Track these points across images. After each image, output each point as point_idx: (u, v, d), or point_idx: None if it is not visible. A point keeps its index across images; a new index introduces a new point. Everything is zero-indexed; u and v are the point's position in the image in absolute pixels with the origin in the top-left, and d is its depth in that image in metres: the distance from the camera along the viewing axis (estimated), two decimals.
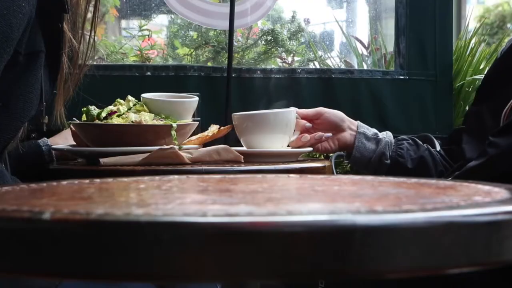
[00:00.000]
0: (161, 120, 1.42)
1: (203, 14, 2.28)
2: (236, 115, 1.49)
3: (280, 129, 1.44)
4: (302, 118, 1.51)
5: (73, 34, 1.24)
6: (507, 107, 1.29)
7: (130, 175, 1.08)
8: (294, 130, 1.51)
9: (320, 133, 1.49)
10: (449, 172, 1.39)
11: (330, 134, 1.50)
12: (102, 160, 1.30)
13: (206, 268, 0.44)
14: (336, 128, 1.52)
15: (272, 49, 2.80)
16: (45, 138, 1.55)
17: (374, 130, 1.55)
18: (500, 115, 1.30)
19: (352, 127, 1.53)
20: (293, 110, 1.47)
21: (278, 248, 0.44)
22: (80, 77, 1.30)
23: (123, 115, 1.40)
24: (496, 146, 1.20)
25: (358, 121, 1.55)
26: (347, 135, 1.52)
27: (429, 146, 1.55)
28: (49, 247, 0.46)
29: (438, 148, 1.60)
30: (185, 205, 0.57)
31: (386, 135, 1.55)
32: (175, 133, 1.37)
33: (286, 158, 1.45)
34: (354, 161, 1.53)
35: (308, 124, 1.51)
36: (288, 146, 1.50)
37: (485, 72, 1.54)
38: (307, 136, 1.48)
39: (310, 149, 1.56)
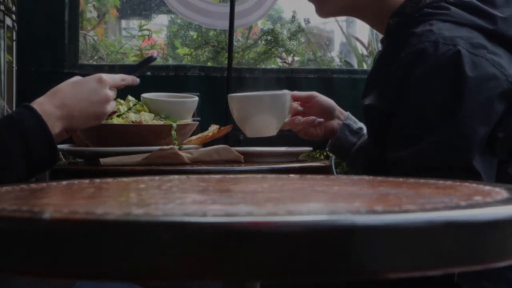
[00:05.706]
0: (161, 120, 1.42)
1: (203, 14, 2.28)
2: (233, 96, 1.48)
3: (277, 111, 1.44)
4: (294, 100, 1.51)
5: None
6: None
7: (130, 175, 1.08)
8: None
9: (313, 117, 1.49)
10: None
11: (322, 119, 1.49)
12: (102, 160, 1.30)
13: (206, 268, 0.44)
14: (326, 114, 1.51)
15: (272, 49, 2.80)
16: None
17: (361, 125, 1.54)
18: None
19: (341, 116, 1.52)
20: (288, 93, 1.47)
21: (278, 248, 0.44)
22: None
23: (123, 115, 1.40)
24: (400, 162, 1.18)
25: (348, 113, 1.54)
26: (335, 123, 1.52)
27: None
28: (49, 247, 0.46)
29: None
30: (185, 205, 0.57)
31: None
32: (175, 133, 1.37)
33: (286, 158, 1.45)
34: (333, 150, 1.53)
35: (300, 107, 1.51)
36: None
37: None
38: (300, 119, 1.48)
39: (310, 148, 1.55)
